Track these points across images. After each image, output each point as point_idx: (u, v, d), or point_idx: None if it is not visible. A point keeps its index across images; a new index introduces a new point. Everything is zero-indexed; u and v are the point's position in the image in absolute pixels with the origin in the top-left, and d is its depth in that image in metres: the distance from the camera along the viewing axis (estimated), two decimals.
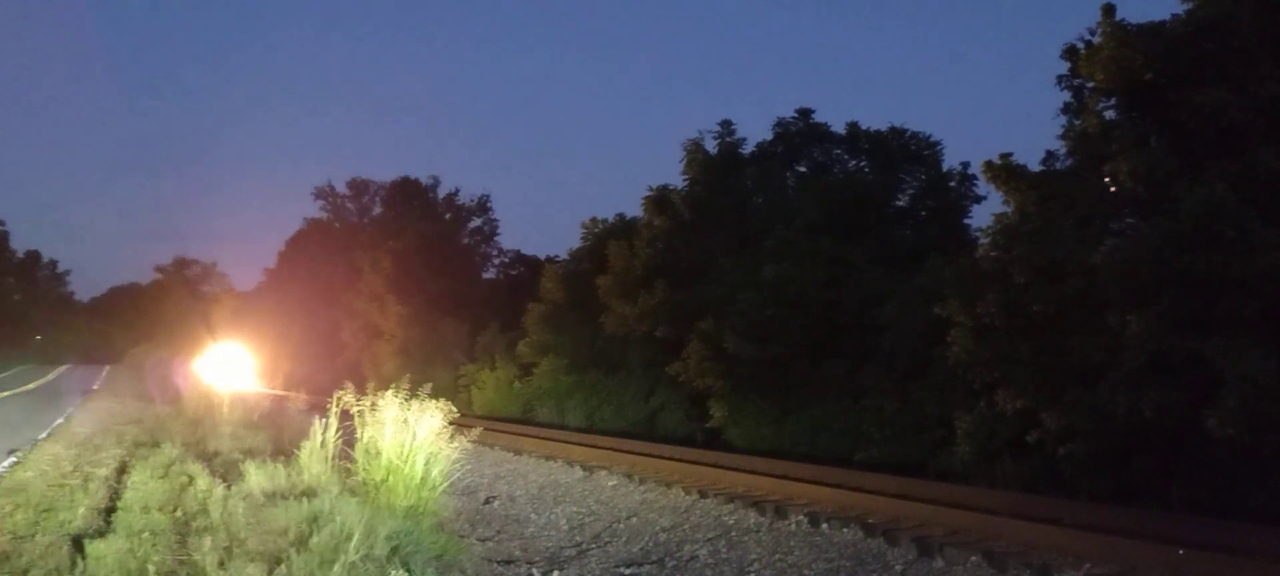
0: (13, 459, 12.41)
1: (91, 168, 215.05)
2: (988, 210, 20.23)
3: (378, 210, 61.66)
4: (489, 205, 56.80)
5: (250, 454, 11.13)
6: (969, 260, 13.15)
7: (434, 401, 9.57)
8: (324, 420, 9.97)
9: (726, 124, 24.36)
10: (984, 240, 12.89)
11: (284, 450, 11.22)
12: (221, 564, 6.17)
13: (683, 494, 12.09)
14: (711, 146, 24.39)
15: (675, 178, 24.61)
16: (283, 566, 6.09)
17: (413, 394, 9.64)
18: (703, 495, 11.82)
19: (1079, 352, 11.08)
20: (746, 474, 13.04)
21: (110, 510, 8.44)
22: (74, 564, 6.41)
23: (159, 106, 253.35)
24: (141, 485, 9.53)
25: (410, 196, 58.99)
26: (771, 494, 11.66)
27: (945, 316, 12.77)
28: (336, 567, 6.07)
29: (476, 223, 56.89)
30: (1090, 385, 10.89)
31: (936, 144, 21.83)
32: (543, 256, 40.00)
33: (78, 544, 6.89)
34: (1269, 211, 9.71)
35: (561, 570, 8.86)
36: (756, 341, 17.61)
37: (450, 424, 9.63)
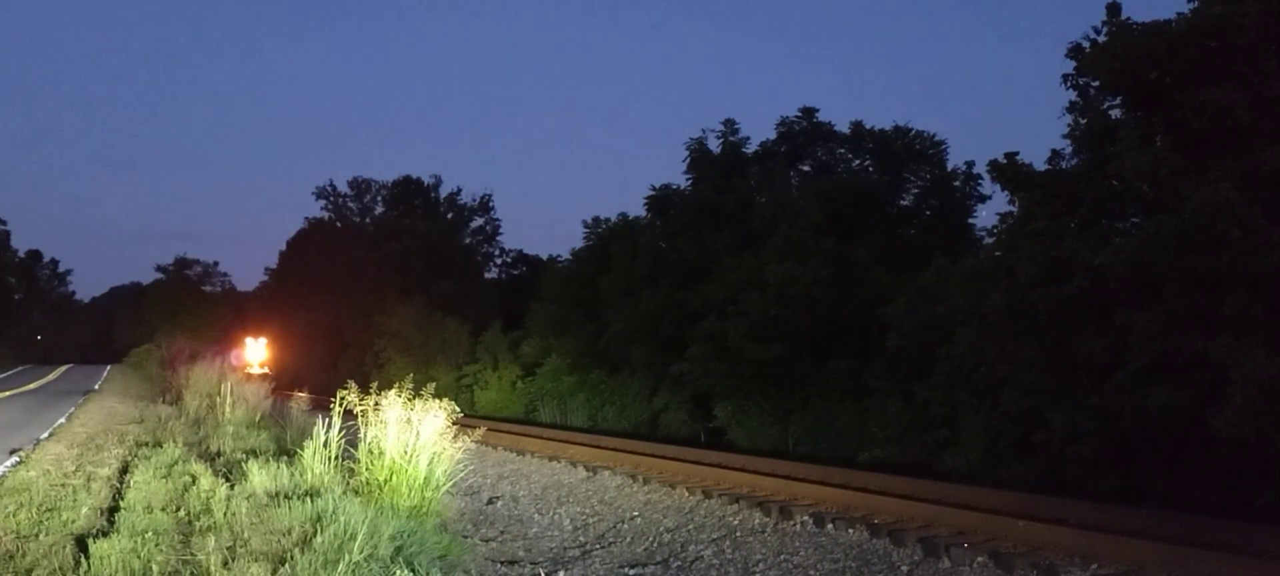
0: (15, 459, 12.40)
1: (92, 167, 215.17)
2: (992, 210, 20.21)
3: (379, 210, 61.79)
4: (491, 205, 57.00)
5: (253, 454, 11.10)
6: (974, 259, 13.10)
7: (437, 401, 9.55)
8: (327, 420, 9.95)
9: (730, 123, 24.37)
10: (988, 240, 12.86)
11: (287, 450, 11.20)
12: (225, 564, 6.15)
13: (687, 494, 12.07)
14: (715, 146, 24.40)
15: (678, 177, 24.60)
16: (287, 566, 6.07)
17: (416, 394, 9.63)
18: (707, 495, 11.79)
19: (1085, 352, 11.04)
20: (751, 474, 13.01)
21: (113, 510, 8.41)
22: (77, 563, 6.39)
23: (160, 106, 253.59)
24: (144, 485, 9.50)
25: (412, 196, 59.14)
26: (776, 494, 11.63)
27: (950, 315, 12.72)
28: (340, 567, 6.05)
29: (478, 222, 57.07)
30: (1096, 384, 10.85)
31: (941, 143, 21.78)
32: (545, 256, 40.12)
33: (81, 543, 6.87)
34: (1274, 210, 9.66)
35: (566, 570, 8.83)
36: (760, 341, 17.58)
37: (453, 424, 9.62)
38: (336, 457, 9.67)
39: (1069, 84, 12.52)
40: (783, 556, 9.03)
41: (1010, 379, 11.90)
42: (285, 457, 10.22)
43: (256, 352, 31.48)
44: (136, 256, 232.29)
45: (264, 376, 23.35)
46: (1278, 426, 9.00)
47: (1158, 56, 11.21)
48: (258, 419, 16.48)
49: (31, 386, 35.66)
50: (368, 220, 60.89)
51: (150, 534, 7.06)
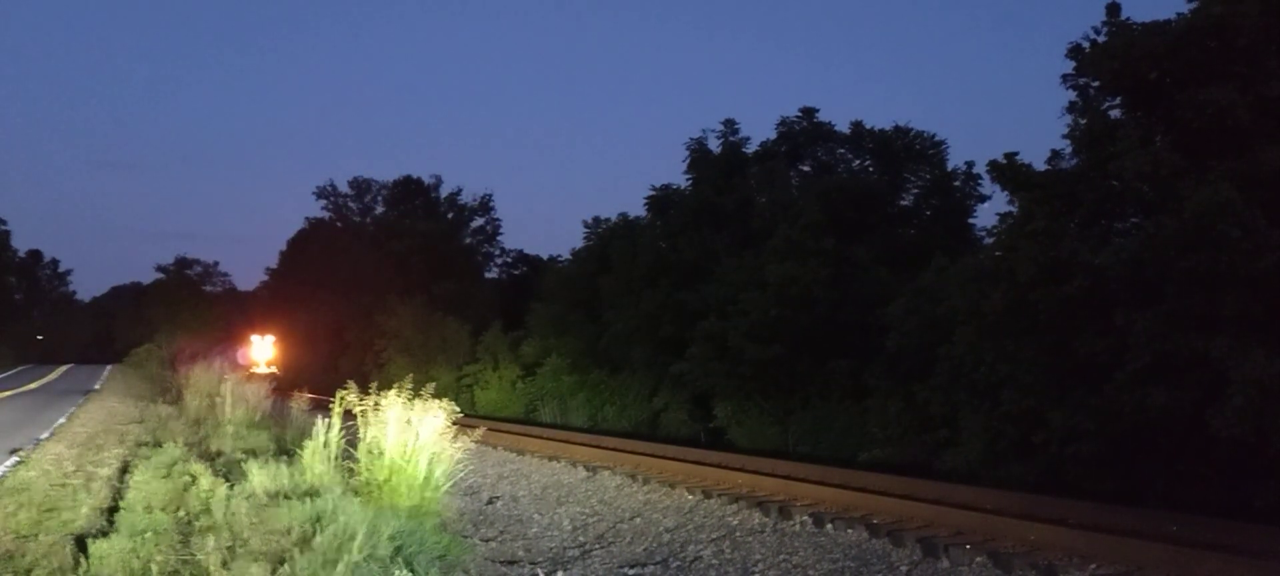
0: (15, 458, 12.40)
1: (92, 167, 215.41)
2: (992, 210, 20.21)
3: (380, 209, 61.72)
4: (491, 205, 56.96)
5: (253, 454, 11.10)
6: (974, 259, 13.08)
7: (437, 401, 9.56)
8: (327, 420, 9.95)
9: (730, 123, 24.39)
10: (988, 240, 12.84)
11: (287, 450, 11.21)
12: (225, 563, 6.15)
13: (686, 494, 12.07)
14: (715, 146, 24.41)
15: (678, 177, 24.60)
16: (286, 566, 6.07)
17: (416, 393, 9.63)
18: (707, 495, 11.79)
19: (1085, 352, 11.03)
20: (750, 474, 13.01)
21: (113, 510, 8.42)
22: (77, 563, 6.40)
23: (160, 106, 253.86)
24: (144, 485, 9.51)
25: (412, 196, 59.11)
26: (776, 494, 11.63)
27: (950, 316, 12.70)
28: (340, 567, 6.05)
29: (479, 222, 57.00)
30: (1096, 385, 10.85)
31: (941, 143, 21.80)
32: (545, 256, 40.14)
33: (81, 543, 6.88)
34: (1274, 211, 9.66)
35: (565, 570, 8.84)
36: (760, 341, 17.58)
37: (453, 424, 9.62)
38: (336, 457, 9.68)
39: (1069, 84, 12.52)
40: (782, 556, 9.03)
41: (1010, 379, 11.90)
42: (285, 457, 10.22)
43: (263, 351, 31.40)
44: (136, 256, 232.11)
45: (271, 375, 23.32)
46: (1278, 426, 9.00)
47: (1157, 56, 11.21)
48: (258, 419, 16.48)
49: (32, 386, 35.68)
50: (368, 220, 60.82)
51: (150, 534, 7.07)
